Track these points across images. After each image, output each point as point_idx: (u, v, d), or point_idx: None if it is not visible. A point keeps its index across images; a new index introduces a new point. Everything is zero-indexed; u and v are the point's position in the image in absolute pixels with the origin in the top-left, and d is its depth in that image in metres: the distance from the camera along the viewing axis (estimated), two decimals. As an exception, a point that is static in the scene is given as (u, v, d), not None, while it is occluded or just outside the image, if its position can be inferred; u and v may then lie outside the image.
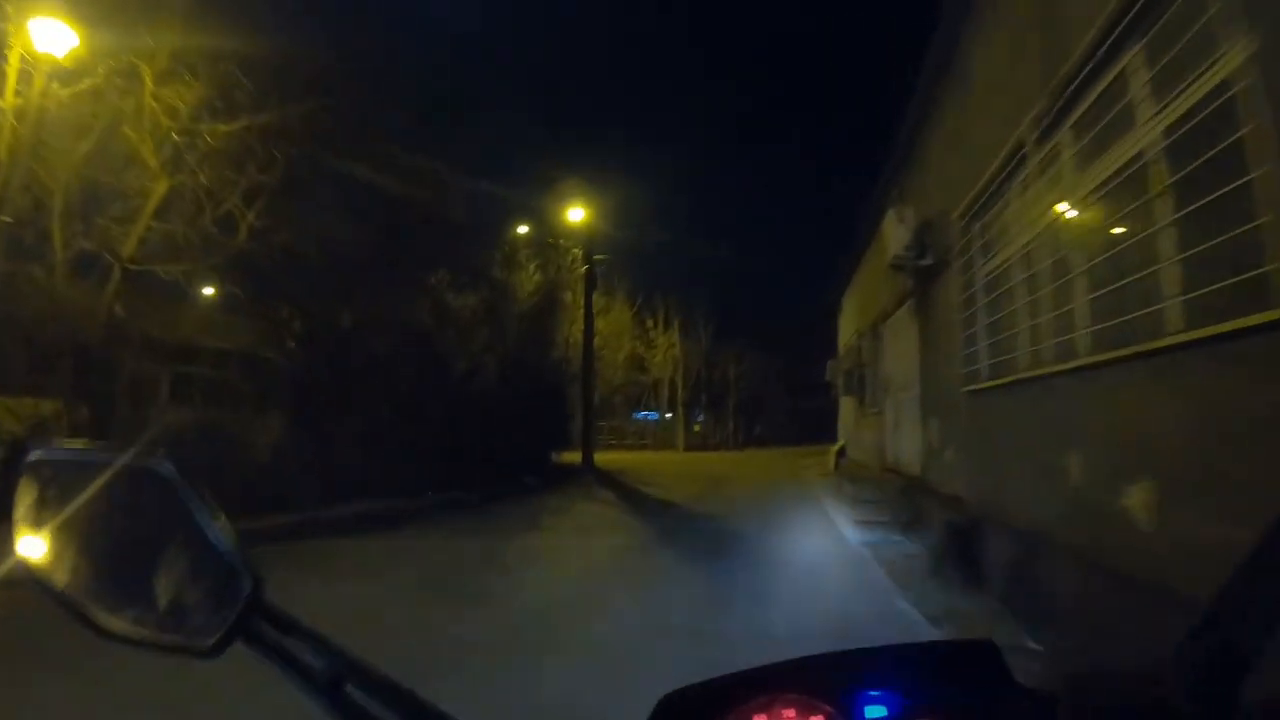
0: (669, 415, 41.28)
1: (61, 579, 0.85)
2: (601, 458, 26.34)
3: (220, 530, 0.80)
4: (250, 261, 12.17)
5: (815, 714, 0.82)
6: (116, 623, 0.83)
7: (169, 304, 12.03)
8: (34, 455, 0.88)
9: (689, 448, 38.04)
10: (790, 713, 0.82)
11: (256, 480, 11.70)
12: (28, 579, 0.85)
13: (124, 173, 10.58)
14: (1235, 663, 0.68)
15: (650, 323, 37.62)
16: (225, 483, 11.37)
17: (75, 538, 0.86)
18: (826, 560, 8.56)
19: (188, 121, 10.78)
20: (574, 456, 25.11)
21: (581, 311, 27.90)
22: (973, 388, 7.70)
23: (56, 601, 0.84)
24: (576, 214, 26.88)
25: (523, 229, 25.43)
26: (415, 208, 19.27)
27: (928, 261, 9.90)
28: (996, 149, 6.73)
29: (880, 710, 0.82)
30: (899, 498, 11.33)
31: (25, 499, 0.87)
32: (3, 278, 9.19)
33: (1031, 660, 0.91)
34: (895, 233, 10.43)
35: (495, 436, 19.45)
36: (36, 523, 0.86)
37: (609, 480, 21.80)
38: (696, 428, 41.09)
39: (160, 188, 10.84)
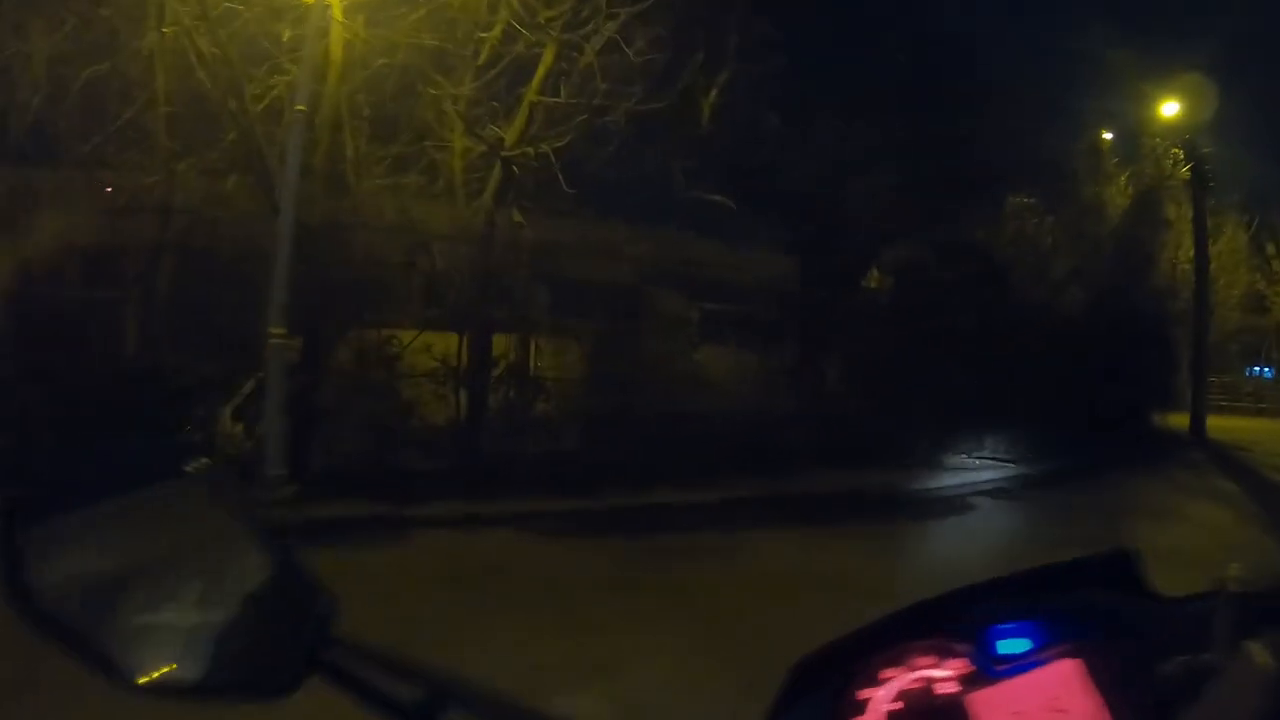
0: (1294, 372, 31.87)
1: (83, 617, 0.66)
2: (1212, 424, 20.44)
3: (282, 549, 0.70)
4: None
5: (953, 657, 0.75)
6: (154, 667, 0.67)
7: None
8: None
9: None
10: (926, 660, 0.75)
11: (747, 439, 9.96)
12: (34, 619, 0.65)
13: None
14: None
15: (1272, 248, 28.62)
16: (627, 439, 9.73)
17: (103, 571, 0.69)
18: None
19: None
20: (1177, 420, 19.87)
21: (1184, 232, 21.92)
22: None
23: (73, 648, 0.65)
24: (1174, 108, 21.20)
25: (1110, 136, 20.67)
26: (980, 112, 15.84)
27: None
28: None
29: (1023, 644, 0.75)
30: None
31: (39, 529, 0.70)
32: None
33: None
34: None
35: (1076, 389, 15.53)
36: (49, 557, 0.68)
37: (1226, 460, 16.37)
38: (1329, 389, 30.91)
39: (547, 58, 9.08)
